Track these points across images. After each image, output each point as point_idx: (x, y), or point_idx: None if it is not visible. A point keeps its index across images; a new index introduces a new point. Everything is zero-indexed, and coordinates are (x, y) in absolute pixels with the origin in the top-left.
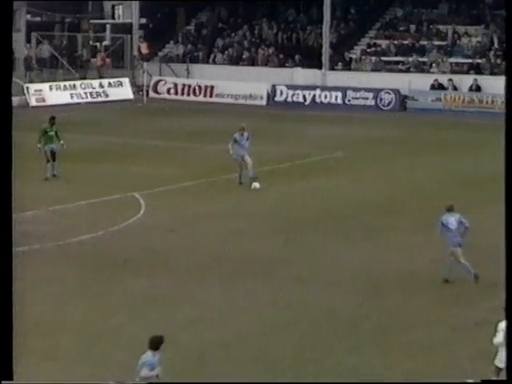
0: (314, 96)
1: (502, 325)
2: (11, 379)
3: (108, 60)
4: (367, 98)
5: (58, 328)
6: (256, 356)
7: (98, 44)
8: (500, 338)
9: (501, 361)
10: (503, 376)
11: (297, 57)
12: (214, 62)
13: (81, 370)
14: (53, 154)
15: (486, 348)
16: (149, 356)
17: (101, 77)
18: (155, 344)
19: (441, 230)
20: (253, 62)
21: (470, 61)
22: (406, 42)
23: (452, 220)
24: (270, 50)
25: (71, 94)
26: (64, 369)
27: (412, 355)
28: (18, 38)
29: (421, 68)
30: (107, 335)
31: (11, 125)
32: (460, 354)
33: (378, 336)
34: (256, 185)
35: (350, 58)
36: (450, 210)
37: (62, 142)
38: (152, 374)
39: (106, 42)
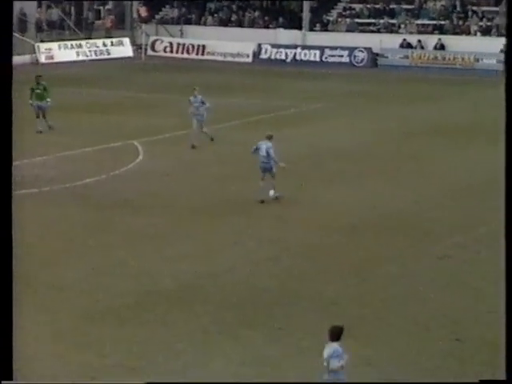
0: (295, 54)
1: None
2: (11, 379)
3: None
4: (342, 56)
5: (65, 261)
6: (242, 285)
7: (101, 8)
8: None
9: None
10: None
11: (280, 19)
12: (206, 24)
13: (86, 298)
14: (42, 110)
15: (446, 279)
16: (334, 347)
17: (109, 37)
18: (337, 335)
19: (254, 152)
20: (240, 24)
21: (435, 22)
22: (377, 6)
23: (263, 147)
24: (256, 13)
25: (77, 52)
26: (70, 297)
27: (383, 286)
28: (30, 3)
29: (391, 29)
30: (110, 268)
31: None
32: (425, 284)
33: (354, 269)
34: (271, 193)
35: (328, 20)
36: (269, 138)
37: (48, 99)
38: (340, 364)
39: (108, 6)
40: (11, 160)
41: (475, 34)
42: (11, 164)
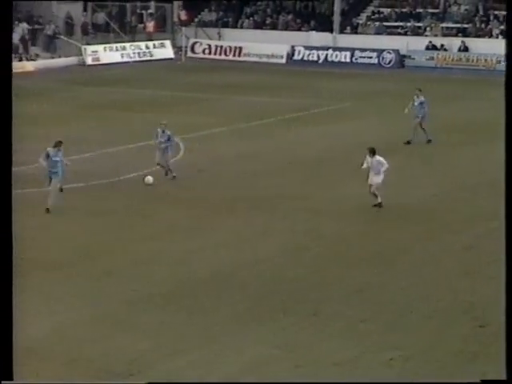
0: (327, 55)
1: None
2: (11, 379)
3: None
4: (371, 57)
5: (107, 251)
6: (274, 273)
7: (144, 12)
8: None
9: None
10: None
11: (312, 22)
12: (242, 27)
13: (126, 286)
14: None
15: (471, 268)
16: None
17: (152, 39)
18: None
19: (45, 159)
20: (274, 27)
21: (459, 25)
22: (404, 10)
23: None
24: (289, 17)
25: (122, 54)
26: (113, 284)
27: (406, 273)
28: (77, 8)
29: (417, 32)
30: (150, 257)
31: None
32: (449, 272)
33: (378, 257)
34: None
35: (357, 23)
36: (58, 145)
37: None
38: None
39: (150, 10)
40: (11, 162)
41: (497, 37)
42: (11, 166)
